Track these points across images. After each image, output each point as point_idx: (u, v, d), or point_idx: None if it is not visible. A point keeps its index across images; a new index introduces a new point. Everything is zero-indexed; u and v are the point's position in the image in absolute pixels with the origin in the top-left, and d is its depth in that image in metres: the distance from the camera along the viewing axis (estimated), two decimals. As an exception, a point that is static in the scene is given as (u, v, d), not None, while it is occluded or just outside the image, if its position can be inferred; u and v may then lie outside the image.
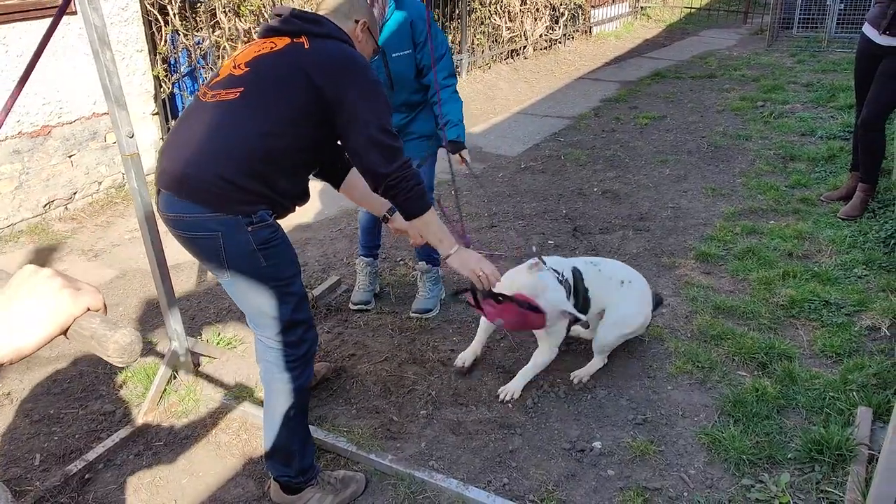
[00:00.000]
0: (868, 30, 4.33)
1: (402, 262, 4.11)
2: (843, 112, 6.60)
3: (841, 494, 2.31)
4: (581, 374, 3.00)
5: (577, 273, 2.90)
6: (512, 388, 2.89)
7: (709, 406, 2.80)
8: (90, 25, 2.45)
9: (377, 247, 3.71)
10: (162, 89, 5.30)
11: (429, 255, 3.57)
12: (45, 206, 4.66)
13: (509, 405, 2.86)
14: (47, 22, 4.44)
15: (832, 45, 9.89)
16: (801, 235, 4.18)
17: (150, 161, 5.22)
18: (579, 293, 2.87)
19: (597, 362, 3.02)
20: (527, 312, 2.60)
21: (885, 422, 2.55)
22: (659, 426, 2.71)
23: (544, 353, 2.92)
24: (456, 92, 3.26)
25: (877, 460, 2.20)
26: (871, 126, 4.34)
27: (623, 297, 2.95)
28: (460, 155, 3.25)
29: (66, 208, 4.80)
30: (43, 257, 4.21)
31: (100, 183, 5.00)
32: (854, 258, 3.84)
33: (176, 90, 5.57)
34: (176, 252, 4.25)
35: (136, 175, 2.63)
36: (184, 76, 5.63)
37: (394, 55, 3.09)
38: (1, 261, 4.16)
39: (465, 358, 3.09)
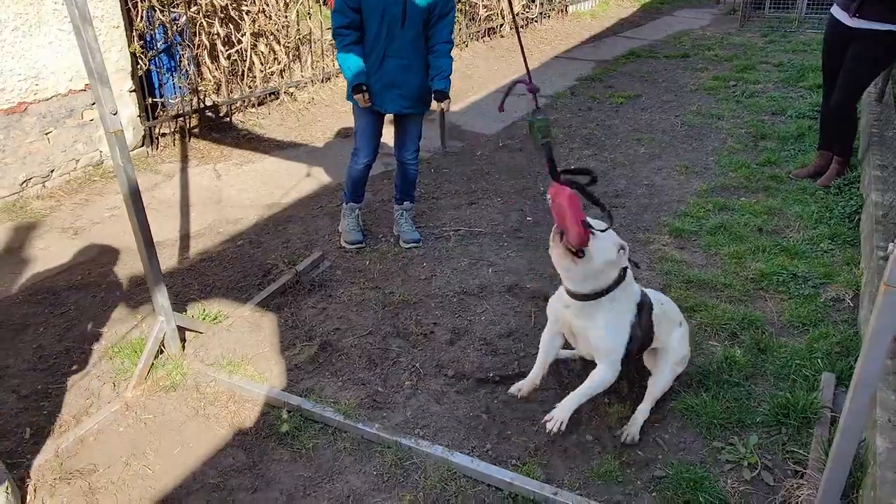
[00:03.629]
0: (837, 12, 4.44)
1: (383, 239, 4.17)
2: (812, 92, 6.75)
3: (805, 454, 2.44)
4: (632, 431, 2.60)
5: (646, 300, 2.59)
6: (559, 417, 2.43)
7: (682, 374, 2.91)
8: (71, 2, 2.44)
9: (363, 196, 4.13)
10: (139, 66, 5.25)
11: (409, 194, 4.08)
12: (23, 183, 4.62)
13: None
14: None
15: (802, 26, 10.06)
16: (771, 211, 4.32)
17: (129, 137, 5.20)
18: (641, 321, 2.54)
19: (646, 409, 2.67)
20: (573, 209, 2.26)
21: (847, 386, 2.69)
22: (635, 394, 2.83)
23: (603, 371, 2.48)
24: (451, 52, 3.70)
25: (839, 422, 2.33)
26: (842, 110, 4.48)
27: (680, 338, 2.73)
28: (444, 102, 3.71)
29: (44, 186, 4.76)
30: (22, 236, 4.20)
31: (77, 161, 4.96)
32: (821, 233, 3.99)
33: (153, 67, 5.52)
34: (158, 230, 4.29)
35: (120, 152, 2.65)
36: (160, 53, 5.58)
37: None
38: (-21, 239, 4.15)
39: (521, 386, 2.73)
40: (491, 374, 2.95)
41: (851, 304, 3.32)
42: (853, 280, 3.47)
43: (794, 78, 7.34)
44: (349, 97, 3.74)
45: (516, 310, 3.43)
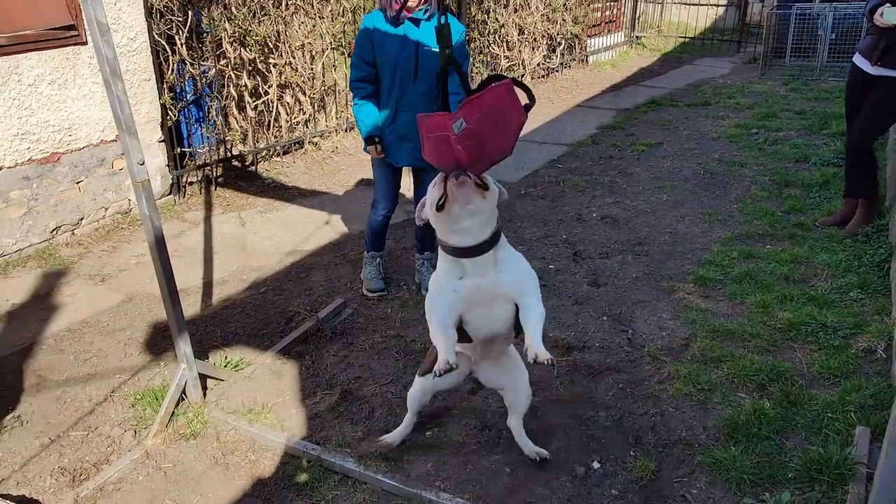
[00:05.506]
0: (859, 60, 4.46)
1: (405, 287, 4.17)
2: (835, 139, 6.72)
3: (841, 513, 2.35)
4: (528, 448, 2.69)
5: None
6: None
7: (709, 427, 2.84)
8: (102, 58, 2.52)
9: (384, 244, 4.17)
10: (168, 117, 5.40)
11: (430, 244, 4.05)
12: (53, 231, 4.72)
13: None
14: (60, 52, 4.57)
15: (824, 74, 10.08)
16: (797, 259, 4.26)
17: (157, 186, 5.31)
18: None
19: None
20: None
21: (883, 441, 2.60)
22: (661, 447, 2.76)
23: (540, 304, 2.28)
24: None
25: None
26: (859, 149, 4.46)
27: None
28: None
29: (73, 233, 4.86)
30: (50, 282, 4.27)
31: (106, 209, 5.07)
32: (849, 282, 3.92)
33: (182, 118, 5.67)
34: (183, 276, 4.33)
35: (146, 200, 2.70)
36: (190, 104, 5.73)
37: (424, 49, 3.50)
38: (9, 285, 4.22)
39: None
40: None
41: (884, 356, 3.24)
42: (885, 330, 3.39)
43: (816, 125, 7.33)
44: (365, 149, 3.78)
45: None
